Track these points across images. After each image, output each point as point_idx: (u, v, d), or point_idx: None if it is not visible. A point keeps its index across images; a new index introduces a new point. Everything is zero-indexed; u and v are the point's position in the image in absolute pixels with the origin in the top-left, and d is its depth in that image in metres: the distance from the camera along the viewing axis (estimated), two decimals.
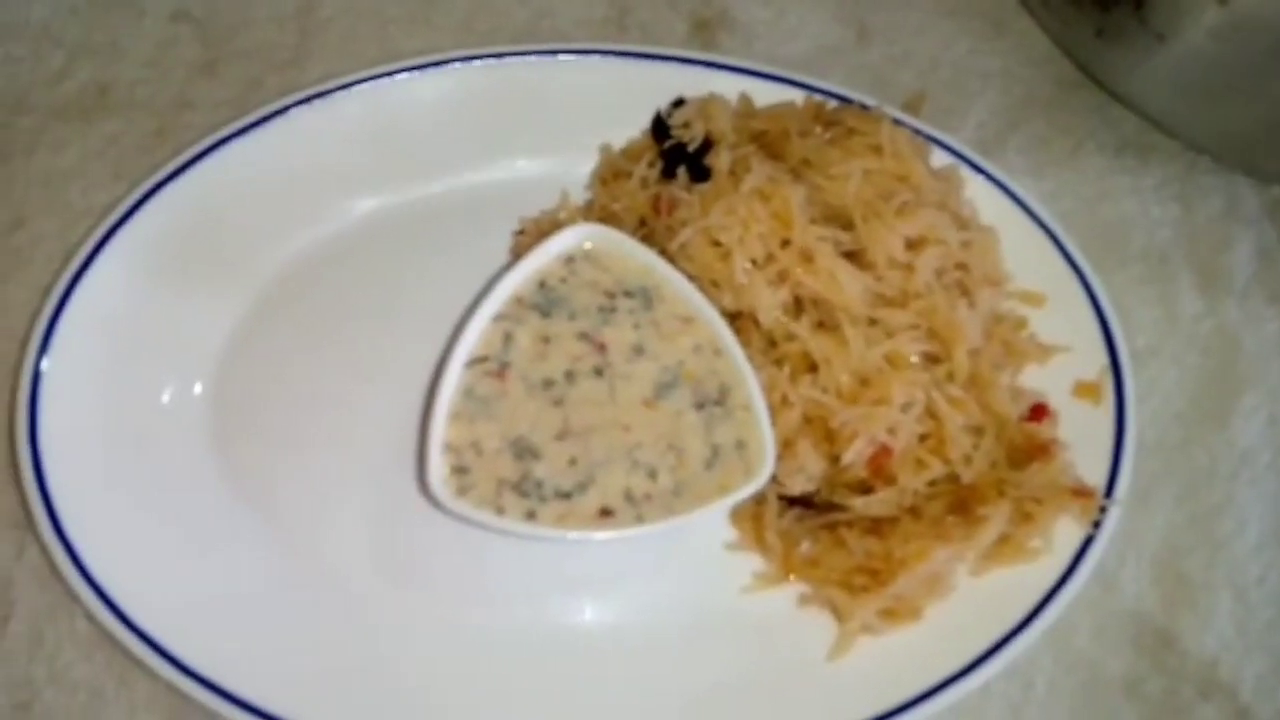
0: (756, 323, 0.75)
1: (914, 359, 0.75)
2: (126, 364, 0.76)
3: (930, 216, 0.76)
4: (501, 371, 0.72)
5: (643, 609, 0.73)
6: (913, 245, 0.75)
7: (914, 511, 0.73)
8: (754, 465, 0.70)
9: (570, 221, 0.82)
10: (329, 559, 0.73)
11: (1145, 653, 0.75)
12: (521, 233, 0.83)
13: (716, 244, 0.75)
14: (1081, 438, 0.76)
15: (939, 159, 0.84)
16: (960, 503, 0.73)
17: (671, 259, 0.76)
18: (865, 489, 0.73)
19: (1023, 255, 0.82)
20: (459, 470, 0.69)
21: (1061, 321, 0.80)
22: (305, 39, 0.93)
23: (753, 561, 0.74)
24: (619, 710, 0.70)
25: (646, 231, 0.80)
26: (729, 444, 0.71)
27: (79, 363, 0.74)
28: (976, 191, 0.84)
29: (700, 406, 0.72)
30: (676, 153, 0.82)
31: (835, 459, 0.73)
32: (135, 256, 0.78)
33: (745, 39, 0.96)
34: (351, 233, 0.83)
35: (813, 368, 0.74)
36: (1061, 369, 0.79)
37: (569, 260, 0.76)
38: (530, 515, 0.68)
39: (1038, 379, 0.79)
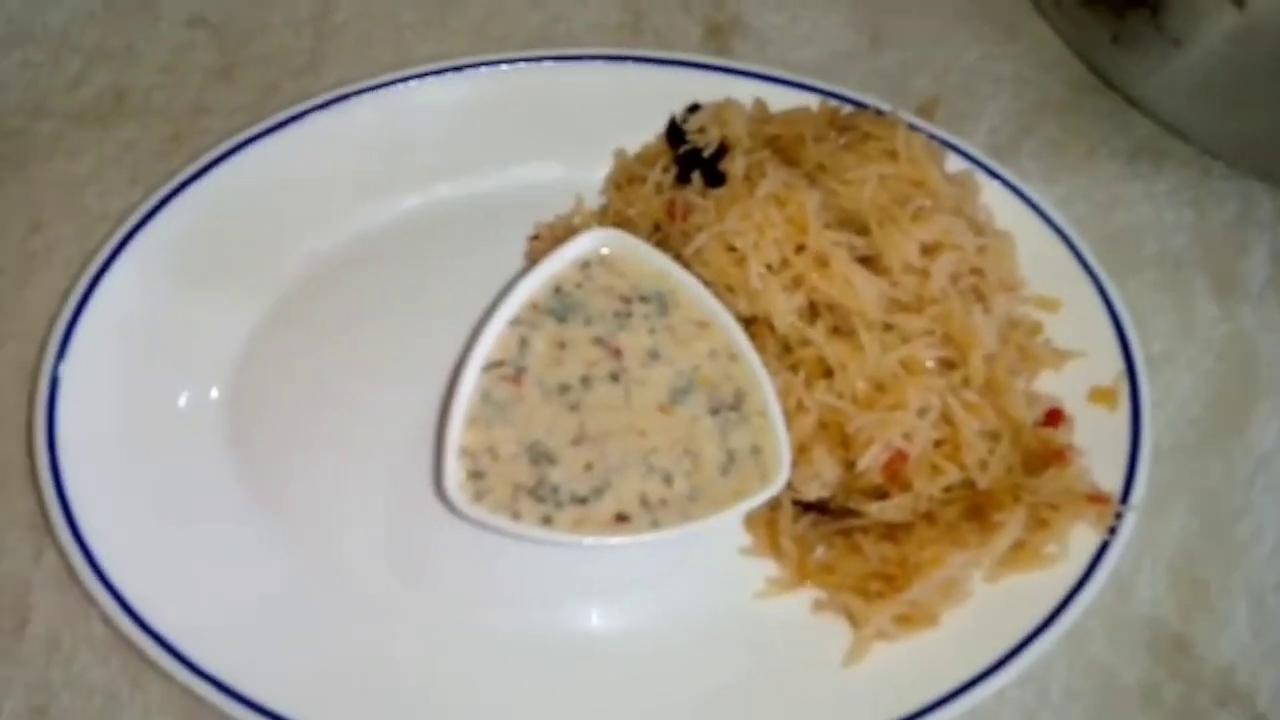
0: (772, 328, 0.75)
1: (929, 364, 0.74)
2: (143, 368, 0.76)
3: (945, 222, 0.76)
4: (517, 376, 0.72)
5: (657, 614, 0.73)
6: (928, 250, 0.75)
7: (929, 517, 0.73)
8: (769, 471, 0.70)
9: (585, 227, 0.81)
10: (344, 563, 0.73)
11: (1161, 659, 0.74)
12: (536, 238, 0.83)
13: (731, 249, 0.75)
14: (1097, 443, 0.76)
15: (953, 164, 0.84)
16: (976, 508, 0.73)
17: (686, 264, 0.76)
18: (880, 494, 0.73)
19: (1038, 260, 0.82)
20: (475, 475, 0.69)
21: (1076, 327, 0.80)
22: (321, 44, 0.94)
23: (767, 567, 0.74)
24: (633, 714, 0.70)
25: (661, 237, 0.80)
26: (744, 449, 0.71)
27: (96, 367, 0.74)
28: (991, 196, 0.84)
29: (715, 412, 0.72)
30: (691, 158, 0.82)
31: (850, 464, 0.73)
32: (152, 261, 0.78)
33: (759, 44, 0.96)
34: (366, 238, 0.83)
35: (828, 373, 0.74)
36: (1077, 374, 0.79)
37: (584, 265, 0.76)
38: (546, 520, 0.68)
39: (1053, 384, 0.79)
